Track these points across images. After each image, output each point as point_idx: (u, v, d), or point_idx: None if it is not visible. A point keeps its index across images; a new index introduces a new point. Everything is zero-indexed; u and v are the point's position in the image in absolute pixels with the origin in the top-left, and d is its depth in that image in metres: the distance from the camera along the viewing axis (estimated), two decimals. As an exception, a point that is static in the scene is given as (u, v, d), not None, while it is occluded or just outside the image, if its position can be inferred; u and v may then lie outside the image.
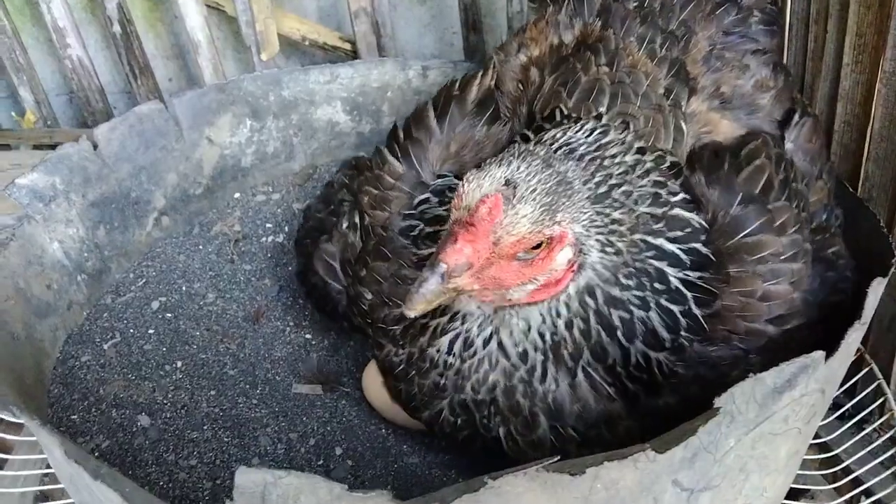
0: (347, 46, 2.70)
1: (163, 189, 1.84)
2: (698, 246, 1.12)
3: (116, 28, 2.66)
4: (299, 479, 0.82)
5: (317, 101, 2.04)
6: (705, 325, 1.11)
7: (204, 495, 1.26)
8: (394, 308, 1.22)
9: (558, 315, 1.08)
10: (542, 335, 1.09)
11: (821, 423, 1.52)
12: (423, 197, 1.27)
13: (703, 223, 1.13)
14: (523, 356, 1.11)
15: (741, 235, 1.12)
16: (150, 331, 1.60)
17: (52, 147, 2.60)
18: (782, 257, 1.11)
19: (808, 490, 1.42)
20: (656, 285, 1.09)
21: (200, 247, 1.83)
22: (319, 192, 1.66)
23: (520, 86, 1.34)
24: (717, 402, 0.92)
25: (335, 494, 0.83)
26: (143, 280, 1.73)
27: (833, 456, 1.49)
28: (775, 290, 1.11)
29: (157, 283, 1.72)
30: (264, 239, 1.86)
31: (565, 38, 1.38)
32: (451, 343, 1.14)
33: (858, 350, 1.57)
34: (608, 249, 1.06)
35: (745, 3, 1.42)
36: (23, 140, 2.65)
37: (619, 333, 1.09)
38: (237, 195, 1.97)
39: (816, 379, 1.04)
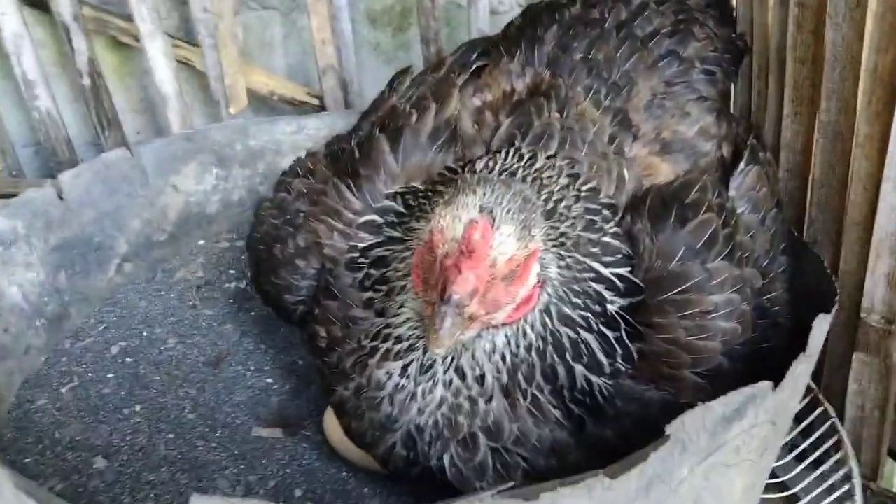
0: (315, 102, 2.77)
1: (126, 235, 1.85)
2: (628, 274, 1.17)
3: (86, 81, 2.70)
4: (254, 507, 0.82)
5: (283, 150, 2.07)
6: (635, 357, 1.15)
7: (159, 538, 1.24)
8: (346, 349, 1.23)
9: (524, 335, 1.12)
10: (503, 357, 1.12)
11: (779, 464, 1.55)
12: (366, 218, 1.28)
13: (631, 254, 1.18)
14: (480, 379, 1.13)
15: (675, 292, 1.15)
16: (109, 375, 1.58)
17: (17, 197, 2.61)
18: (711, 316, 1.14)
19: (768, 528, 1.44)
20: (596, 307, 1.15)
21: (162, 293, 1.83)
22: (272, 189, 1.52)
23: (475, 125, 1.38)
24: (668, 429, 0.94)
25: (289, 523, 0.83)
26: (104, 325, 1.72)
27: (791, 495, 1.51)
28: (702, 344, 1.14)
29: (118, 328, 1.71)
30: (227, 285, 1.86)
31: (517, 86, 1.44)
32: (406, 367, 1.16)
33: (812, 391, 1.61)
34: (561, 263, 1.11)
35: (687, 55, 1.49)
36: (-14, 190, 2.64)
37: (567, 355, 1.13)
38: (201, 242, 1.98)
39: (766, 409, 1.07)
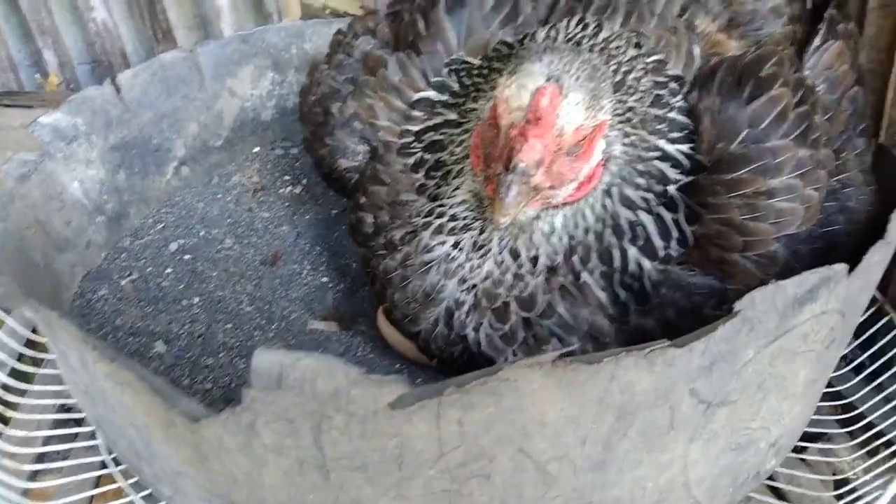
0: (367, 16, 2.72)
1: (183, 138, 1.86)
2: (692, 151, 1.12)
3: (140, -9, 2.70)
4: (317, 362, 0.82)
5: (338, 57, 2.04)
6: (689, 240, 1.11)
7: (219, 414, 1.27)
8: (394, 226, 1.23)
9: (583, 217, 1.09)
10: (560, 239, 1.10)
11: (836, 374, 1.51)
12: (422, 95, 1.25)
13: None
14: (534, 260, 1.11)
15: (734, 174, 1.09)
16: (168, 270, 1.61)
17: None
18: (769, 198, 1.08)
19: (825, 433, 1.41)
20: (658, 187, 1.11)
21: (219, 196, 1.84)
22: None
23: (530, 3, 1.30)
24: (738, 305, 0.92)
25: (352, 379, 0.83)
26: (162, 224, 1.74)
27: (847, 404, 1.47)
28: (754, 226, 1.09)
29: (176, 227, 1.73)
30: (282, 190, 1.86)
31: None
32: (458, 243, 1.15)
33: (876, 301, 1.55)
34: (626, 141, 1.08)
35: None
36: (46, 103, 2.68)
37: (625, 238, 1.11)
38: (256, 149, 1.98)
39: (837, 297, 1.02)
